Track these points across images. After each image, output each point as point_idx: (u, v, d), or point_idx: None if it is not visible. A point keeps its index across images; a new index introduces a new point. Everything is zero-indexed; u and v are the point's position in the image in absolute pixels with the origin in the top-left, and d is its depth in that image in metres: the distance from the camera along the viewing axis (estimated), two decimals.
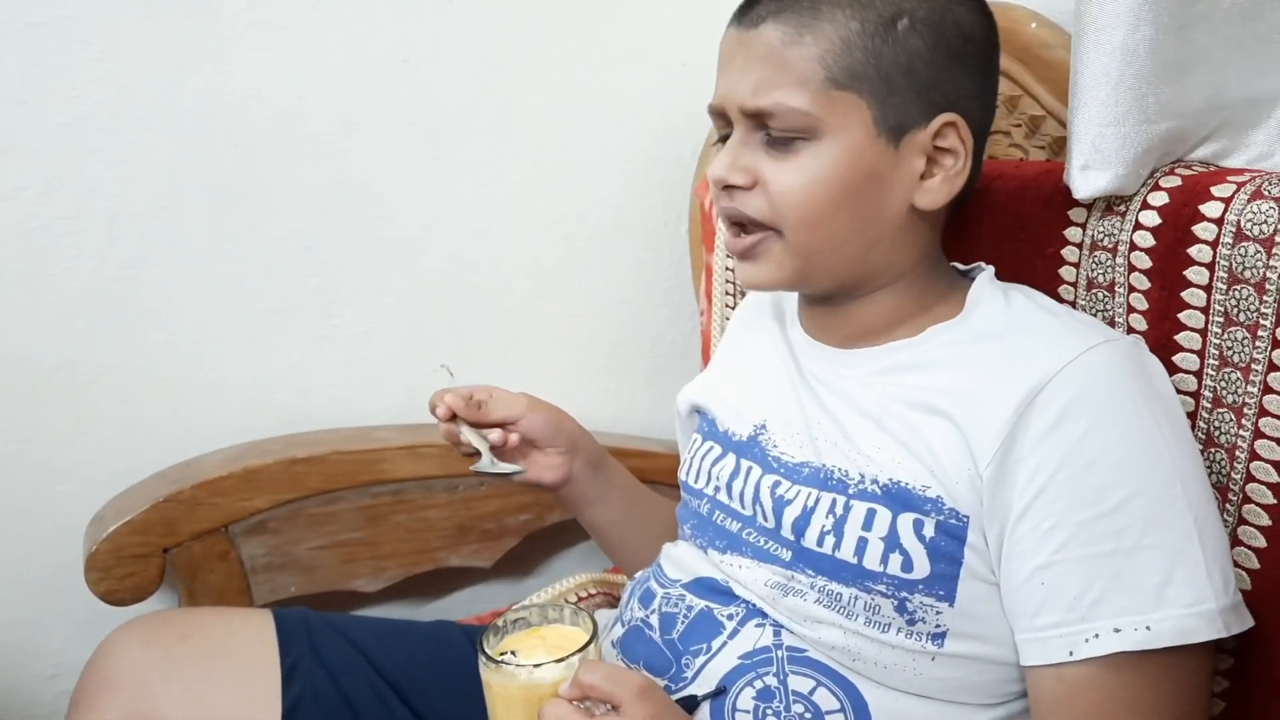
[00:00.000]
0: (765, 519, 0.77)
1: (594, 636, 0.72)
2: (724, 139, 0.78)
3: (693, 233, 1.28)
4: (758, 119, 0.73)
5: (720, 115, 0.77)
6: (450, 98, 1.20)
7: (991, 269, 0.78)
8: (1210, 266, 0.68)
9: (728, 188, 0.75)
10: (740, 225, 0.76)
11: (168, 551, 1.03)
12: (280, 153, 1.14)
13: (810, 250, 0.74)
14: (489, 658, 0.71)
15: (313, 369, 1.20)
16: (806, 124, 0.71)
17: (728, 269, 1.17)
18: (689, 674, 0.76)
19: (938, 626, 0.69)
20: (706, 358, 1.24)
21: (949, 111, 0.72)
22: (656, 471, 1.24)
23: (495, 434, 0.87)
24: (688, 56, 1.30)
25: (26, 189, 1.05)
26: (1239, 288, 0.67)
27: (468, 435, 0.87)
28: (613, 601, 1.11)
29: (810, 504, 0.74)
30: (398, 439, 1.14)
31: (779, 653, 0.73)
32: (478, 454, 0.87)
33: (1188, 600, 0.63)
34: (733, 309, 1.17)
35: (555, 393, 0.97)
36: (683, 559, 0.84)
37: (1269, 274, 0.64)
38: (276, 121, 1.13)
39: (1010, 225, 0.82)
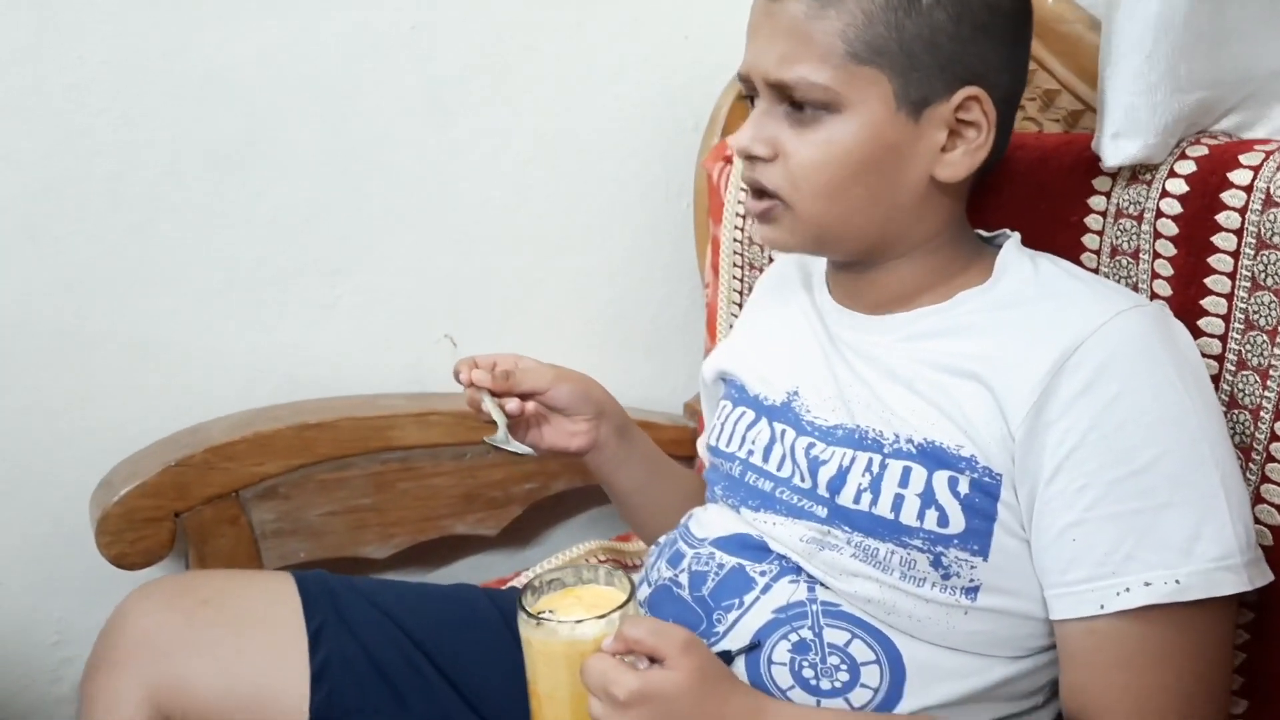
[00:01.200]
0: (802, 479, 0.78)
1: (632, 594, 0.72)
2: (749, 98, 0.79)
3: (698, 205, 1.29)
4: (781, 90, 0.74)
5: (747, 81, 0.78)
6: (454, 67, 1.20)
7: (1018, 236, 0.80)
8: (1238, 232, 0.70)
9: (750, 158, 0.76)
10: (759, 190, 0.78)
11: (178, 516, 1.03)
12: (285, 119, 1.13)
13: (822, 221, 0.76)
14: (530, 615, 0.71)
15: (316, 337, 1.20)
16: (827, 98, 0.72)
17: (736, 241, 1.18)
18: (720, 629, 0.77)
19: (971, 581, 0.71)
20: (713, 330, 1.25)
21: (973, 85, 0.73)
22: (662, 443, 1.24)
23: (512, 403, 0.87)
24: (690, 30, 1.31)
25: (30, 150, 1.04)
26: (1267, 253, 0.69)
27: (488, 405, 0.87)
28: (623, 569, 1.12)
29: (846, 463, 0.76)
30: (407, 406, 1.14)
31: (813, 607, 0.75)
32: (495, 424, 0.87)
33: (1215, 555, 0.65)
34: (740, 280, 1.19)
35: (557, 363, 0.98)
36: (713, 519, 0.85)
37: None
38: (281, 87, 1.12)
39: (1032, 194, 0.84)
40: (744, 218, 1.16)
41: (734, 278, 1.19)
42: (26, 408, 1.09)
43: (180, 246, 1.11)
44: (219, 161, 1.11)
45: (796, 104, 0.74)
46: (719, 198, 1.20)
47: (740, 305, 1.17)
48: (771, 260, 1.05)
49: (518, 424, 0.88)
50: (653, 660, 0.66)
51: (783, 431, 0.82)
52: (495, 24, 1.20)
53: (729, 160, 1.19)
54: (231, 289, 1.14)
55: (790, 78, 0.72)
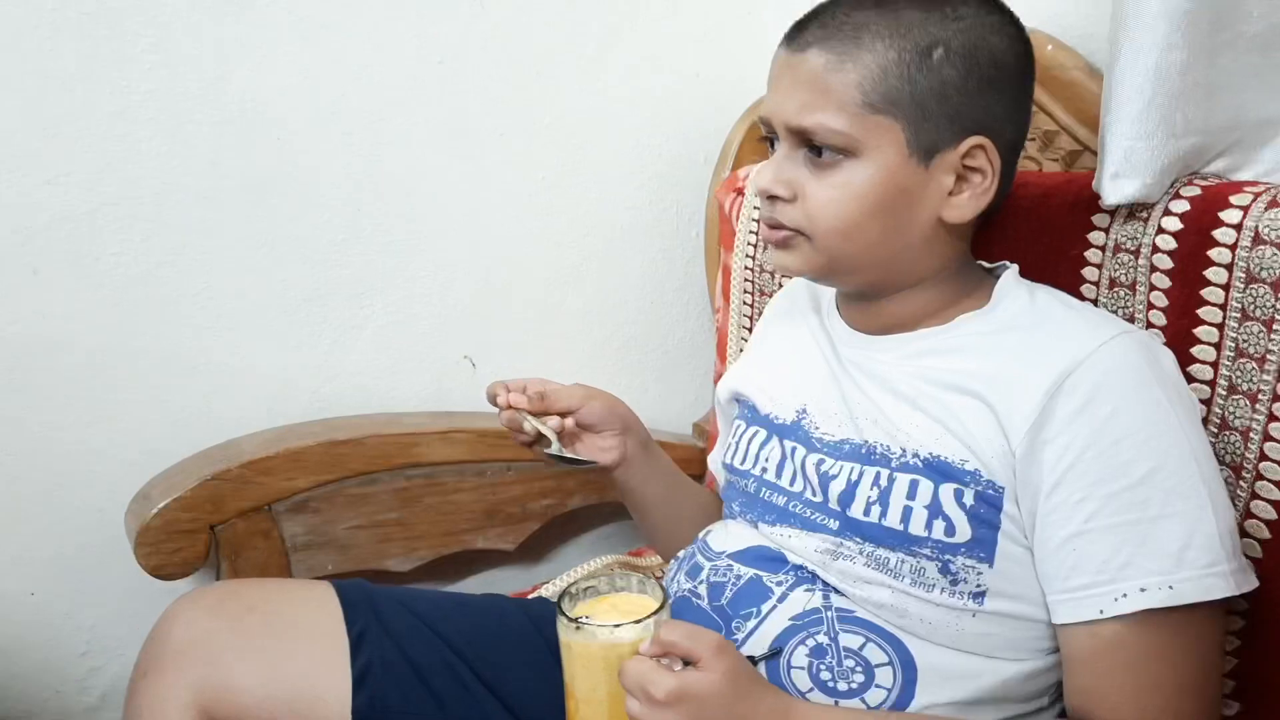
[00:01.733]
0: (813, 494, 0.83)
1: (665, 601, 0.76)
2: (768, 140, 0.84)
3: (709, 234, 1.34)
4: (801, 135, 0.79)
5: (768, 125, 0.83)
6: (479, 99, 1.25)
7: (1016, 267, 0.85)
8: (1229, 267, 0.76)
9: (771, 198, 0.82)
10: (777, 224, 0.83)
11: (214, 528, 1.06)
12: (318, 148, 1.18)
13: (836, 254, 0.81)
14: (570, 619, 0.74)
15: (343, 357, 1.24)
16: (845, 143, 0.77)
17: (747, 269, 1.23)
18: (739, 636, 0.81)
19: (978, 586, 0.76)
20: (723, 353, 1.30)
21: (979, 134, 0.78)
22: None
23: (554, 421, 0.92)
24: (701, 68, 1.37)
25: (75, 174, 1.08)
26: (1256, 286, 0.75)
27: (533, 424, 0.91)
28: None
29: (854, 478, 0.80)
30: (431, 424, 1.19)
31: (829, 613, 0.79)
32: (539, 440, 0.92)
33: (1205, 562, 0.70)
34: (750, 306, 1.24)
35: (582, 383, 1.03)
36: (731, 533, 0.89)
37: None
38: (315, 117, 1.17)
39: (1035, 229, 0.89)
40: (755, 246, 1.21)
41: (744, 303, 1.25)
42: (65, 421, 1.12)
43: (215, 267, 1.15)
44: (254, 188, 1.15)
45: (815, 149, 0.79)
46: (730, 227, 1.25)
47: (750, 330, 1.22)
48: (781, 286, 1.10)
49: (560, 441, 0.92)
50: (687, 663, 0.70)
51: (793, 449, 0.86)
52: (519, 60, 1.25)
53: (740, 192, 1.24)
54: (263, 310, 1.18)
55: (810, 124, 0.78)
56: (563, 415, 0.93)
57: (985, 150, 0.78)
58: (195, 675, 0.86)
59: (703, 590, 0.86)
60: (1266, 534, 0.76)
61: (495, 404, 0.92)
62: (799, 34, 0.80)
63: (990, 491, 0.75)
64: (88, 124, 1.08)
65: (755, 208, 1.20)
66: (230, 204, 1.15)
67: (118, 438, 1.15)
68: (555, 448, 0.91)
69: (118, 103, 1.09)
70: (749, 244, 1.22)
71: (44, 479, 1.13)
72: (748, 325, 1.24)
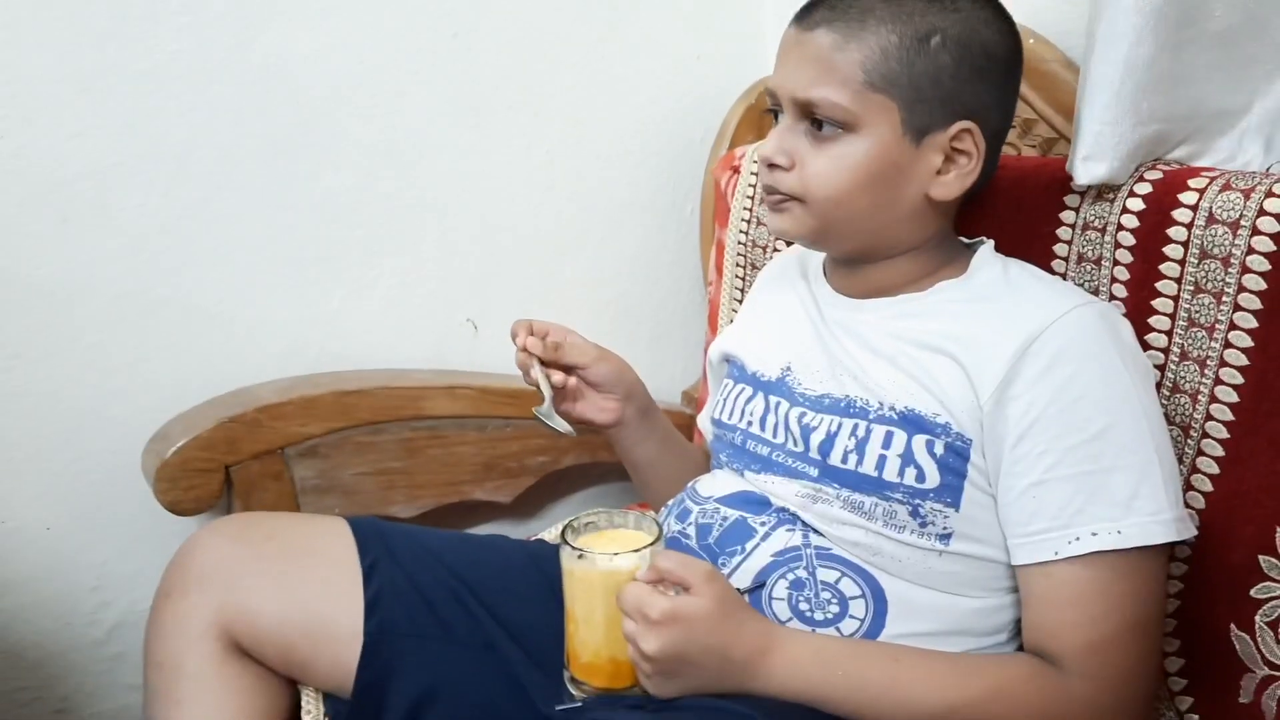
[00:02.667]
0: (795, 444, 0.90)
1: (660, 534, 0.82)
2: (772, 112, 0.90)
3: (704, 210, 1.41)
4: (805, 109, 0.85)
5: (774, 96, 0.89)
6: (488, 73, 1.31)
7: (992, 242, 0.92)
8: (1185, 244, 0.83)
9: (772, 165, 0.88)
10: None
11: (228, 469, 1.12)
12: (335, 113, 1.23)
13: (828, 220, 0.87)
14: (573, 548, 0.81)
15: (352, 314, 1.29)
16: (845, 118, 0.83)
17: (740, 244, 1.29)
18: (725, 571, 0.87)
19: (945, 529, 0.82)
20: (714, 324, 1.36)
21: (967, 119, 0.84)
22: None
23: (558, 377, 0.97)
24: (701, 50, 1.43)
25: (103, 129, 1.13)
26: (1208, 262, 0.82)
27: (537, 374, 0.96)
28: None
29: (834, 429, 0.87)
30: (436, 380, 1.25)
31: (808, 550, 0.86)
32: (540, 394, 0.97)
33: (1150, 510, 0.77)
34: (742, 280, 1.30)
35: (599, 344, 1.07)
36: (718, 481, 0.95)
37: (1234, 251, 0.80)
38: (334, 84, 1.22)
39: (1013, 208, 0.96)
40: (749, 222, 1.28)
41: (736, 276, 1.31)
42: (86, 364, 1.17)
43: (235, 223, 1.20)
44: (274, 148, 1.21)
45: (816, 122, 0.85)
46: (725, 204, 1.32)
47: (741, 302, 1.29)
48: (772, 260, 1.17)
49: (559, 396, 0.98)
50: (679, 589, 0.77)
51: (777, 403, 0.93)
52: (528, 38, 1.31)
53: (736, 170, 1.30)
54: (279, 264, 1.24)
55: (815, 97, 0.84)
56: (571, 370, 0.98)
57: (972, 134, 0.85)
58: (216, 597, 0.91)
59: (691, 531, 0.92)
60: (1209, 486, 0.83)
61: (515, 342, 0.98)
62: (809, 13, 0.86)
63: (959, 443, 0.82)
64: (117, 81, 1.12)
65: (751, 184, 1.27)
66: (250, 163, 1.20)
67: (137, 382, 1.19)
68: (545, 409, 0.95)
69: (147, 62, 1.13)
70: (743, 220, 1.28)
71: (65, 420, 1.17)
72: (739, 298, 1.30)
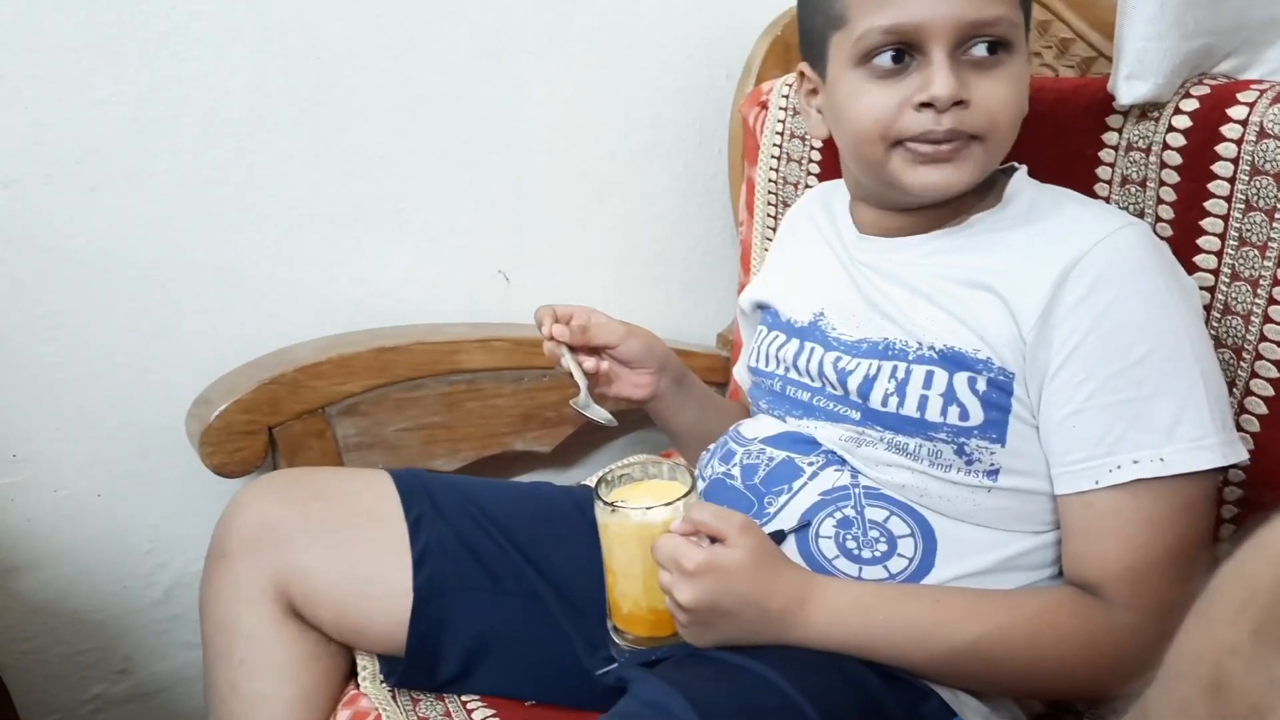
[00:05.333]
0: (833, 388, 0.88)
1: (694, 484, 0.82)
2: (897, 54, 0.80)
3: (733, 149, 1.39)
4: (971, 32, 0.78)
5: (913, 32, 0.78)
6: (510, 19, 1.28)
7: (1025, 168, 0.89)
8: (1235, 161, 0.81)
9: (956, 104, 0.78)
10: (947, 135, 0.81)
11: (271, 430, 1.13)
12: (357, 67, 1.22)
13: (999, 153, 0.84)
14: (606, 503, 0.81)
15: (385, 270, 1.29)
16: (1012, 34, 0.79)
17: (770, 182, 1.28)
18: (771, 510, 0.87)
19: (991, 465, 0.81)
20: (747, 265, 1.35)
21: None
22: (697, 369, 1.34)
23: (590, 362, 0.96)
24: None
25: (127, 94, 1.12)
26: (1260, 179, 0.79)
27: (568, 363, 0.95)
28: None
29: (872, 372, 0.85)
30: (471, 333, 1.24)
31: (856, 490, 0.85)
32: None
33: (1194, 436, 0.75)
34: (774, 219, 1.28)
35: (598, 299, 1.06)
36: (761, 425, 0.95)
37: None
38: (354, 37, 1.21)
39: (1053, 131, 0.93)
40: (778, 159, 1.26)
41: (768, 215, 1.29)
42: (125, 330, 1.17)
43: (263, 184, 1.20)
44: (297, 106, 1.19)
45: (988, 46, 0.78)
46: (754, 141, 1.29)
47: (772, 242, 1.27)
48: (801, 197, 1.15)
49: (593, 381, 0.97)
50: (714, 540, 0.76)
51: (811, 349, 0.91)
52: None
53: (764, 105, 1.28)
54: (310, 224, 1.23)
55: (991, 15, 0.77)
56: (600, 351, 0.97)
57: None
58: (270, 559, 0.92)
59: (736, 472, 0.91)
60: (1264, 409, 0.81)
61: (541, 332, 0.96)
62: None
63: (1001, 378, 0.80)
64: (138, 44, 1.11)
65: (780, 119, 1.24)
66: (274, 122, 1.19)
67: (177, 346, 1.20)
68: (581, 400, 0.94)
69: (165, 24, 1.12)
70: (773, 157, 1.26)
71: (109, 387, 1.19)
72: (771, 237, 1.28)
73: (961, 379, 0.81)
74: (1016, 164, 0.90)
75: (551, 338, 0.95)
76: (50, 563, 1.22)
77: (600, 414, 0.95)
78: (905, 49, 0.80)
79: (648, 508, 0.80)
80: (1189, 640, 0.38)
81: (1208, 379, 0.77)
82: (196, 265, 1.19)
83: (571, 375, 0.96)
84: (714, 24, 1.40)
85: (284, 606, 0.91)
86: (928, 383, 0.82)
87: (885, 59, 0.80)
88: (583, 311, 0.98)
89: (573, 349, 0.96)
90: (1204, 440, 0.75)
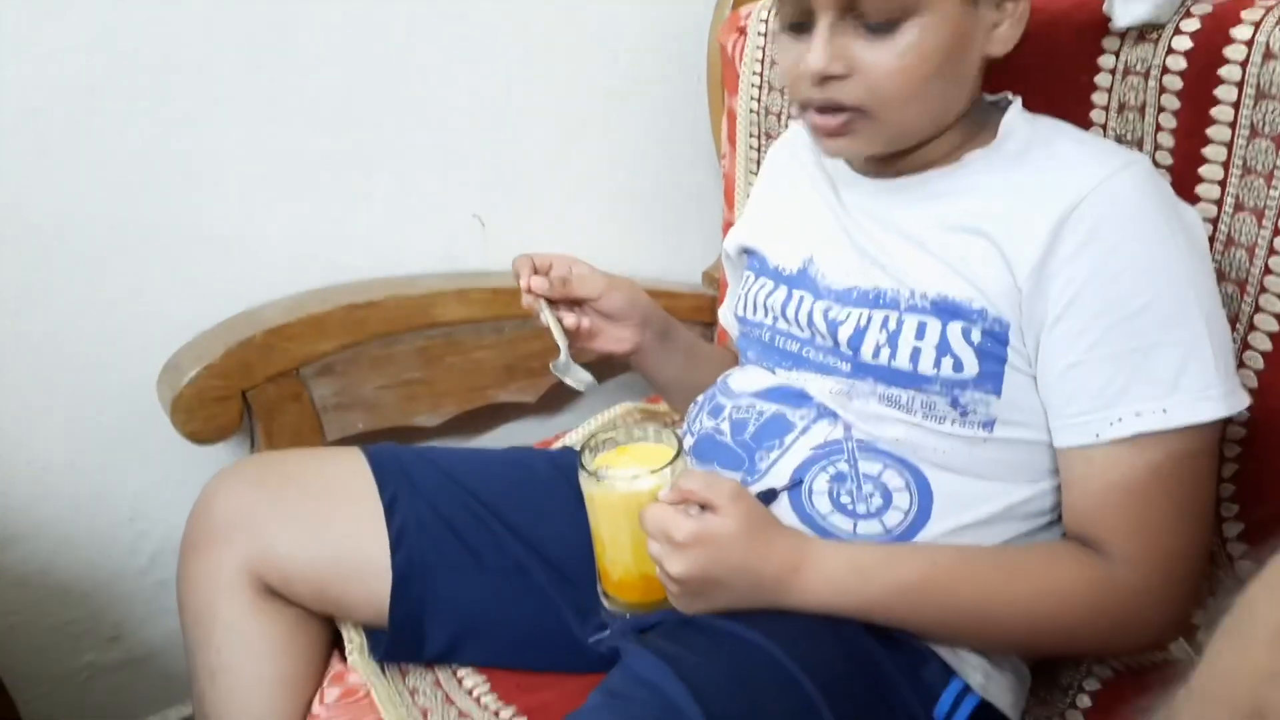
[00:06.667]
0: (823, 339, 0.85)
1: (680, 449, 0.79)
2: (792, 28, 0.78)
3: (711, 79, 1.33)
4: (849, 6, 0.74)
5: (796, 3, 0.77)
6: None
7: (1019, 100, 0.84)
8: (1239, 85, 0.76)
9: (826, 79, 0.76)
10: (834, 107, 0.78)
11: (245, 394, 1.09)
12: (314, 12, 1.15)
13: (902, 122, 0.79)
14: (590, 472, 0.78)
15: (355, 221, 1.24)
16: (904, 4, 0.73)
17: (751, 112, 1.22)
18: (762, 467, 0.84)
19: (988, 416, 0.78)
20: (730, 200, 1.30)
21: None
22: (683, 310, 1.32)
23: (570, 319, 0.92)
24: None
25: (73, 47, 1.06)
26: (1266, 102, 0.75)
27: (547, 318, 0.91)
28: None
29: (863, 323, 0.82)
30: (446, 285, 1.21)
31: (849, 444, 0.82)
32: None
33: (1198, 387, 0.72)
34: (757, 150, 1.24)
35: (579, 242, 1.01)
36: (749, 376, 0.92)
37: None
38: None
39: (1044, 55, 0.89)
40: (759, 88, 1.20)
41: (750, 148, 1.24)
42: (88, 298, 1.14)
43: (222, 139, 1.15)
44: (253, 56, 1.14)
45: (869, 20, 0.74)
46: (734, 70, 1.24)
47: (756, 174, 1.22)
48: (788, 128, 1.10)
49: (573, 337, 0.93)
50: (704, 508, 0.74)
51: (801, 297, 0.88)
52: None
53: (743, 32, 1.22)
54: (273, 178, 1.18)
55: None
56: (581, 304, 0.93)
57: None
58: (243, 546, 0.90)
59: (725, 428, 0.89)
60: (1268, 345, 0.78)
61: (519, 284, 0.92)
62: None
63: (996, 328, 0.77)
64: None
65: (759, 46, 1.19)
66: (230, 73, 1.13)
67: (143, 309, 1.16)
68: (561, 363, 0.91)
69: None
70: (753, 85, 1.21)
71: (76, 354, 1.15)
72: (754, 170, 1.24)
73: (955, 329, 0.78)
74: (1011, 95, 0.85)
75: (530, 290, 0.91)
76: (31, 536, 1.19)
77: (580, 378, 0.92)
78: (805, 14, 0.77)
79: (634, 476, 0.77)
80: (1222, 663, 0.35)
81: (1212, 326, 0.73)
82: (158, 226, 1.15)
83: (550, 334, 0.92)
84: None
85: (260, 589, 0.89)
86: (920, 333, 0.79)
87: (788, 24, 0.79)
88: (563, 261, 0.94)
89: (552, 302, 0.92)
90: (1208, 391, 0.72)
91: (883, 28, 0.74)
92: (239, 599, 0.88)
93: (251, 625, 0.88)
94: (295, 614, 0.90)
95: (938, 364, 0.78)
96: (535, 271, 0.92)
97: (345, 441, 1.15)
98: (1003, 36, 0.78)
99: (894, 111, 0.77)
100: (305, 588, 0.90)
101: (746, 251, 1.00)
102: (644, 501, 0.75)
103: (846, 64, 0.76)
